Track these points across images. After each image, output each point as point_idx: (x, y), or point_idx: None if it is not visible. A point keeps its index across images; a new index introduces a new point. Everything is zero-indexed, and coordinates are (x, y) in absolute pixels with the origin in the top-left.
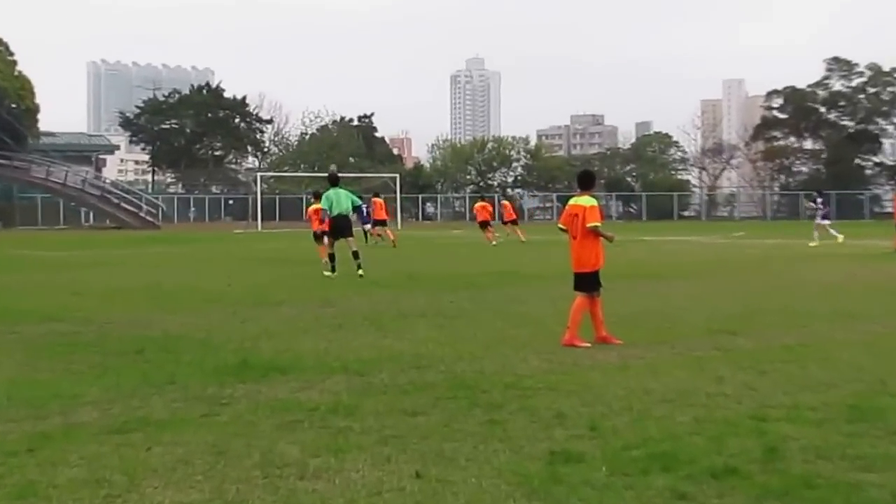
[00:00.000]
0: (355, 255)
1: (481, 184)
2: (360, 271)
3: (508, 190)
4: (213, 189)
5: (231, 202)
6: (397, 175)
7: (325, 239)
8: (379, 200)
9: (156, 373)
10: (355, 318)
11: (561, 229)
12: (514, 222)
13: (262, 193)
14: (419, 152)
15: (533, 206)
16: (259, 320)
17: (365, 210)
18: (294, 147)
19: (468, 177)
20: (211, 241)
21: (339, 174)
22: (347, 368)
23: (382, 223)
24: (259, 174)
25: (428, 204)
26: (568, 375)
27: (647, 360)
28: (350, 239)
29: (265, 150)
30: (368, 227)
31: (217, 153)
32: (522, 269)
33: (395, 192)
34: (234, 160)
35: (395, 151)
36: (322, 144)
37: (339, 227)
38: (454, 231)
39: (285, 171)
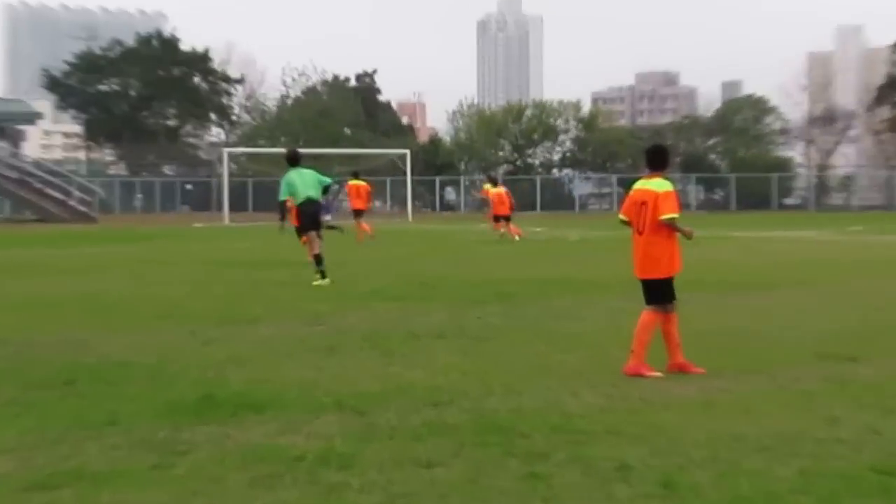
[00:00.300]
0: (318, 259)
1: (518, 162)
2: (323, 280)
3: (555, 170)
4: (166, 170)
5: (189, 187)
6: (408, 151)
7: (302, 237)
8: (358, 184)
9: (91, 411)
10: (353, 340)
11: (622, 222)
12: (506, 218)
13: (230, 176)
14: (436, 122)
15: (585, 192)
16: (227, 342)
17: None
18: (272, 115)
19: (501, 153)
20: (163, 238)
21: (332, 150)
22: (342, 405)
23: (359, 213)
24: (226, 150)
25: (448, 189)
26: (633, 415)
27: (737, 394)
28: (319, 235)
29: (234, 118)
30: (328, 218)
31: (171, 123)
32: (571, 275)
33: (406, 174)
34: (193, 132)
35: (405, 120)
36: (308, 111)
37: (310, 215)
38: (482, 225)
39: (261, 147)
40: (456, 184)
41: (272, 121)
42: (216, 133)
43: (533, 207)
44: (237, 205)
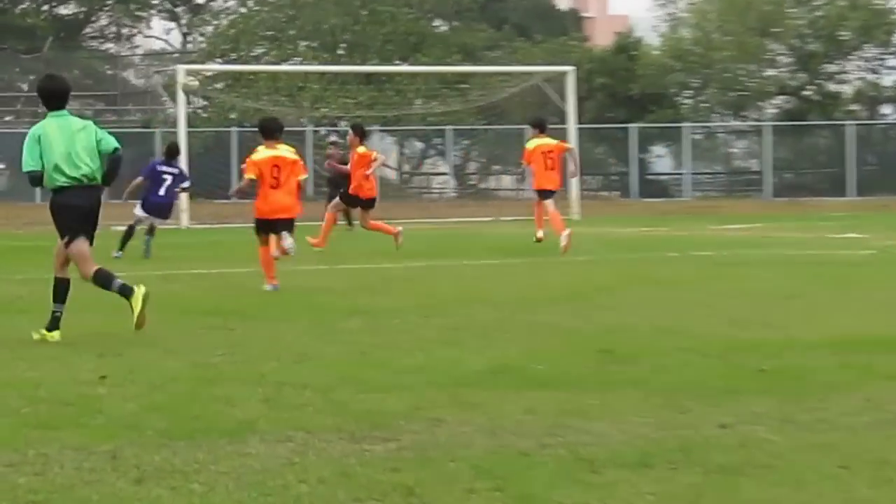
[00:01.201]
0: (104, 279)
1: (806, 91)
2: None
3: (886, 109)
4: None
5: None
6: (571, 70)
7: (67, 244)
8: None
9: None
10: (454, 473)
11: None
12: (547, 194)
13: (191, 123)
14: (629, 7)
15: None
16: (186, 479)
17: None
18: None
19: (768, 73)
20: (49, 255)
21: (409, 68)
22: None
23: None
24: (182, 69)
25: (656, 147)
26: None
27: None
28: (84, 248)
29: (198, 1)
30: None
31: (64, 12)
32: None
33: (566, 116)
34: (110, 32)
35: (565, 4)
36: None
37: (82, 210)
38: (731, 229)
39: (255, 62)
40: (673, 137)
41: (278, 6)
42: (163, 32)
43: (839, 189)
44: (206, 181)
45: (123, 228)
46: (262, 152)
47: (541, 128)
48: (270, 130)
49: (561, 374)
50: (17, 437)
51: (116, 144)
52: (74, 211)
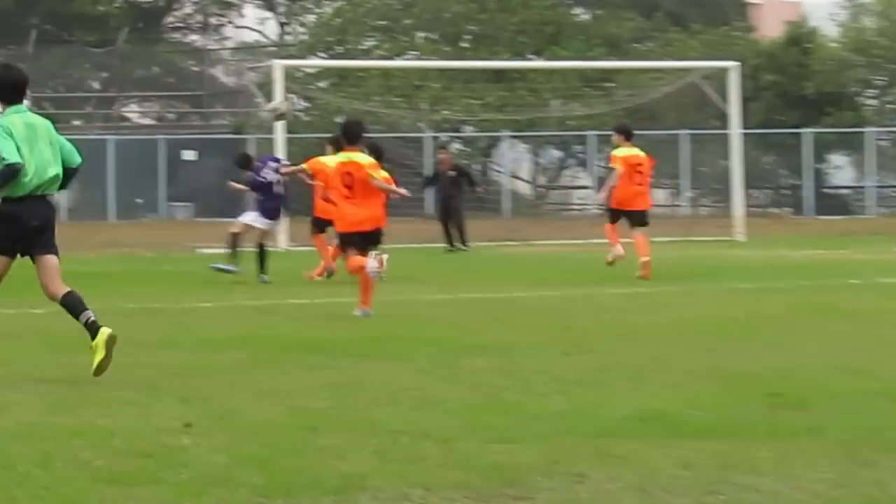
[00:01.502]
0: (70, 308)
1: None
2: (100, 357)
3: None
4: (131, 114)
5: (191, 157)
6: (735, 66)
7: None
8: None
9: None
10: None
11: None
12: (638, 219)
13: (291, 127)
14: None
15: None
16: None
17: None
18: None
19: None
20: (125, 286)
21: (540, 64)
22: None
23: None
24: (279, 64)
25: (834, 155)
26: None
27: None
28: (48, 260)
29: None
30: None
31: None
32: None
33: (727, 119)
34: (195, 22)
35: None
36: None
37: (33, 227)
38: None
39: (362, 55)
40: (854, 144)
41: None
42: (256, 22)
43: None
44: (308, 196)
45: (215, 251)
46: (335, 158)
47: (627, 135)
48: (356, 136)
49: (722, 421)
50: (90, 495)
51: (80, 160)
52: (23, 227)
